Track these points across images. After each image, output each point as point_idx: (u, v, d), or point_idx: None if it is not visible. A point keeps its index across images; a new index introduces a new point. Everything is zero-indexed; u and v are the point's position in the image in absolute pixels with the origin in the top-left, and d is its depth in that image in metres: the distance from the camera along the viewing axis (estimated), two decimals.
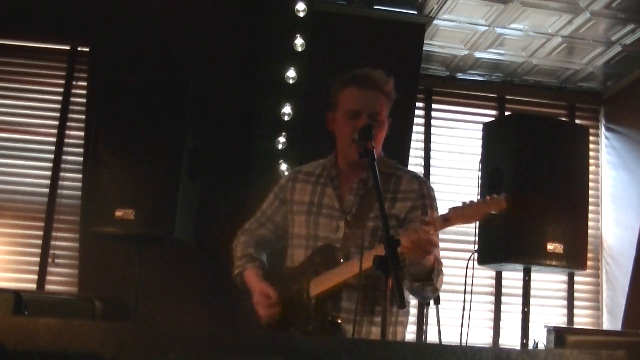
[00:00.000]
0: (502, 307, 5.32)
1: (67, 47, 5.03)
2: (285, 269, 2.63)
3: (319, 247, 2.51)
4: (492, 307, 5.33)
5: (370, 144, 2.26)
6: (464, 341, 3.76)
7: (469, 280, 3.44)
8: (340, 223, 2.51)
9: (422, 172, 5.38)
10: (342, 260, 2.41)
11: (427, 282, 2.39)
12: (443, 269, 2.49)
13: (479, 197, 2.42)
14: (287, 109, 4.43)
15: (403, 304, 1.89)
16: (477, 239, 4.15)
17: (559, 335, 3.73)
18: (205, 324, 4.46)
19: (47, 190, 4.85)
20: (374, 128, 2.35)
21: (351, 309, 2.36)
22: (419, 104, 5.43)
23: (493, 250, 4.01)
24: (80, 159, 4.75)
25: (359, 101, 2.47)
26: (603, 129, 5.74)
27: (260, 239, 2.74)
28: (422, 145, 5.50)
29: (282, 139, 4.43)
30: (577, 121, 5.63)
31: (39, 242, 4.77)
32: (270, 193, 2.76)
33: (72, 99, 4.96)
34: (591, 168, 4.63)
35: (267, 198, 2.76)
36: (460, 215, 2.30)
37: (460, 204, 2.32)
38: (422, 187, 2.58)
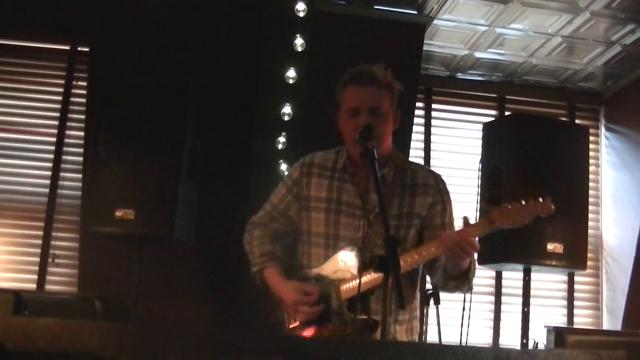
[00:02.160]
0: (502, 307, 5.32)
1: (67, 47, 5.02)
2: (307, 269, 2.57)
3: (346, 249, 2.49)
4: (492, 307, 5.33)
5: (371, 143, 2.26)
6: (464, 341, 3.76)
7: None
8: (361, 222, 2.50)
9: None
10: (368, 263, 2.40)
11: (464, 281, 2.46)
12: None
13: (525, 200, 2.41)
14: (287, 109, 4.43)
15: (402, 304, 1.89)
16: (477, 238, 4.15)
17: (559, 335, 3.73)
18: (205, 324, 4.46)
19: (47, 190, 4.84)
20: (375, 125, 2.36)
21: (379, 309, 2.38)
22: (419, 104, 5.43)
23: (493, 250, 4.01)
24: (80, 159, 4.75)
25: (357, 98, 2.48)
26: (603, 129, 5.74)
27: (274, 233, 2.69)
28: (422, 145, 5.49)
29: (282, 139, 4.43)
30: (577, 121, 5.63)
31: (39, 242, 4.76)
32: (280, 185, 2.71)
33: (72, 99, 4.96)
34: (591, 168, 4.63)
35: (278, 190, 2.71)
36: (505, 218, 2.36)
37: (505, 206, 2.37)
38: (438, 182, 2.62)
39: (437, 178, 2.64)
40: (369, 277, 2.38)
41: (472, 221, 2.42)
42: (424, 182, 2.59)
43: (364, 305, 2.42)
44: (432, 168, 5.39)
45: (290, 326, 2.49)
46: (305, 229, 2.60)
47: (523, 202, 2.39)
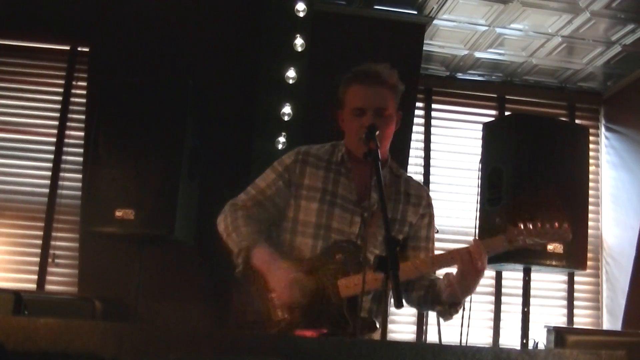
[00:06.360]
0: (502, 307, 5.32)
1: (67, 47, 5.03)
2: (294, 259, 2.46)
3: (340, 243, 2.43)
4: (492, 307, 5.33)
5: (374, 143, 2.25)
6: (464, 341, 3.76)
7: None
8: (355, 217, 2.47)
9: (422, 172, 5.39)
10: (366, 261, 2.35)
11: (452, 311, 2.41)
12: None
13: (544, 224, 2.35)
14: (287, 109, 4.44)
15: (401, 304, 1.89)
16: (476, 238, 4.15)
17: (559, 335, 3.73)
18: (205, 324, 4.46)
19: (47, 190, 4.84)
20: (379, 126, 2.33)
21: (370, 308, 2.43)
22: (419, 104, 5.43)
23: None
24: (80, 159, 4.75)
25: (363, 98, 2.45)
26: (603, 129, 5.74)
27: (257, 218, 2.54)
28: (422, 145, 5.49)
29: (282, 139, 4.43)
30: (577, 121, 5.63)
31: (39, 242, 4.77)
32: (269, 170, 2.60)
33: (72, 99, 4.96)
34: (591, 168, 4.63)
35: (266, 175, 2.59)
36: (523, 241, 2.34)
37: (523, 228, 2.33)
38: (428, 196, 2.64)
39: (427, 192, 2.66)
40: (371, 278, 2.28)
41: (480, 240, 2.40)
42: (416, 194, 2.60)
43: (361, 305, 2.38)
44: (432, 168, 5.49)
45: (277, 319, 2.38)
46: (292, 217, 2.52)
47: (539, 225, 2.34)
